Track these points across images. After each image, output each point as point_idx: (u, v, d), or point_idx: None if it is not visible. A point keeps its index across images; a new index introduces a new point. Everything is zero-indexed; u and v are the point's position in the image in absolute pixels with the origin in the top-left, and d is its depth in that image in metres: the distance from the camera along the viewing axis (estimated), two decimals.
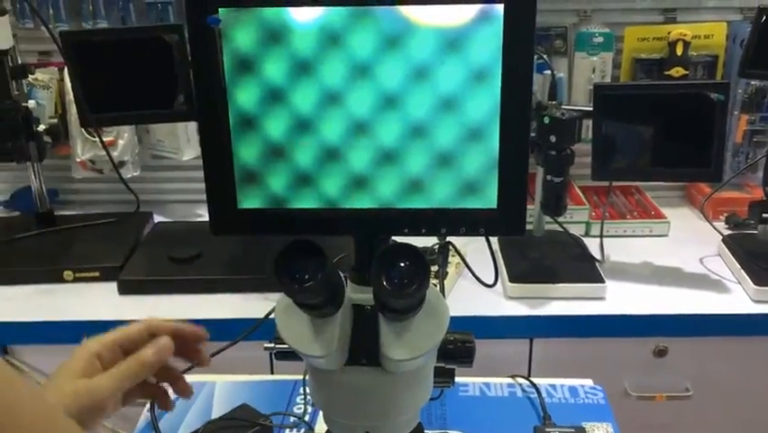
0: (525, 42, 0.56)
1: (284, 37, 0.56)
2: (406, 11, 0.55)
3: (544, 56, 1.35)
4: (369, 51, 0.56)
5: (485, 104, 0.57)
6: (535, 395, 1.02)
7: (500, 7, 0.55)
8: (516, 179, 0.59)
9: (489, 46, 0.56)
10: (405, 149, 0.58)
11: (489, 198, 0.60)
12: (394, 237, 0.73)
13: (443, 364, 0.71)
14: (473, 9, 0.55)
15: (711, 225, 1.39)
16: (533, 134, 1.28)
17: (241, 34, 0.57)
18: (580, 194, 1.60)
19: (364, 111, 0.58)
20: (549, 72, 1.28)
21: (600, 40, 1.53)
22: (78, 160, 1.59)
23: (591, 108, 1.27)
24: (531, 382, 1.05)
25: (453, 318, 1.21)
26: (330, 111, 0.58)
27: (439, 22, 0.55)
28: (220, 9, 0.56)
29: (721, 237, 1.41)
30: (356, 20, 0.56)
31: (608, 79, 1.56)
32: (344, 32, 0.56)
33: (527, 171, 0.59)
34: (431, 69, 0.56)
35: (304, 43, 0.56)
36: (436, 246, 1.17)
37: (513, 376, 1.07)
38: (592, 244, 1.43)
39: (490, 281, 1.06)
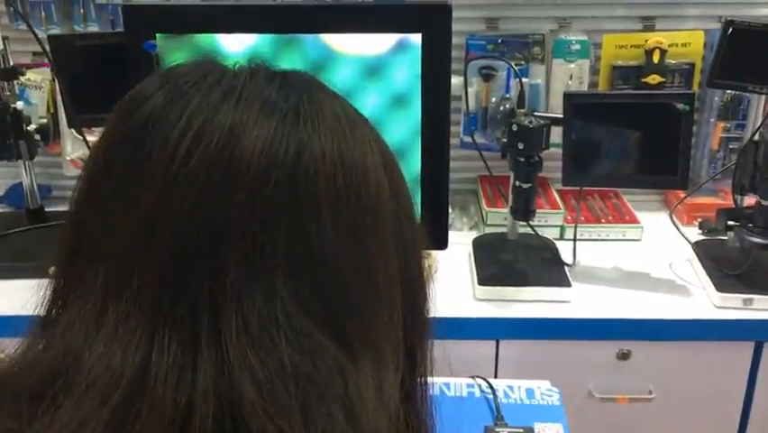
0: (441, 69, 0.59)
1: None
2: (330, 39, 0.59)
3: (515, 63, 1.37)
4: None
5: (406, 127, 0.61)
6: (492, 396, 1.06)
7: (418, 37, 0.58)
8: (437, 197, 0.63)
9: (407, 73, 0.59)
10: None
11: None
12: None
13: None
14: (392, 38, 0.58)
15: (679, 231, 1.42)
16: (504, 140, 1.31)
17: (176, 59, 0.60)
18: (557, 197, 1.62)
19: None
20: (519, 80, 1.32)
21: (577, 47, 1.56)
22: (69, 158, 1.64)
23: (561, 116, 1.30)
24: (488, 382, 1.08)
25: None
26: None
27: (360, 50, 0.59)
28: (157, 35, 0.60)
29: (690, 244, 1.44)
30: (283, 47, 0.59)
31: (585, 86, 1.59)
32: (272, 59, 0.59)
33: (448, 190, 0.63)
34: (353, 95, 0.60)
35: None
36: None
37: (473, 376, 1.11)
38: (566, 248, 1.46)
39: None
